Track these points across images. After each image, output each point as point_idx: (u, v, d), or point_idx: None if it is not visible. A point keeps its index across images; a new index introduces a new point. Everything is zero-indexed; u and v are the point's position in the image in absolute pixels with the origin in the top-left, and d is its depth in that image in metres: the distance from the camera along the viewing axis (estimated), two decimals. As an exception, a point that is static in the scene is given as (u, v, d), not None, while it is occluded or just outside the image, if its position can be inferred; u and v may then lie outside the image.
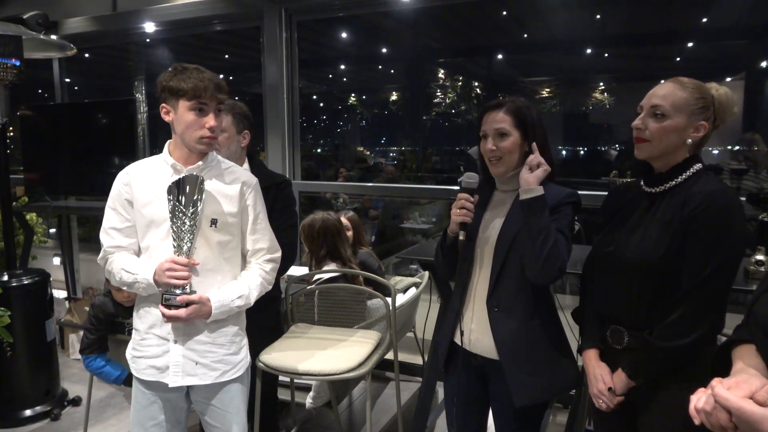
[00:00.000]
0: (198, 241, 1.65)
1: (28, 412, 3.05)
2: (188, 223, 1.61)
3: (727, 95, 1.44)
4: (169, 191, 1.62)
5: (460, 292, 1.69)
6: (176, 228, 1.61)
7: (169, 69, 1.66)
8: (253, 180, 1.80)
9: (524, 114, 1.59)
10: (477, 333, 1.64)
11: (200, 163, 1.69)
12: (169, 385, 1.68)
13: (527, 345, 1.58)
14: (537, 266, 1.50)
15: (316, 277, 2.72)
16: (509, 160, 1.60)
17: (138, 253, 1.73)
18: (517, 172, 1.61)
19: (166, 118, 1.68)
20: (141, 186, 1.70)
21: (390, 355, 2.45)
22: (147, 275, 1.62)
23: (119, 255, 1.71)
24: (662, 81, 1.48)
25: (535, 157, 1.56)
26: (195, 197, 1.61)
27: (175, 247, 1.62)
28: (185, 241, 1.61)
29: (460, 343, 1.69)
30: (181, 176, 1.64)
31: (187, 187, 1.62)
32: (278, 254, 1.84)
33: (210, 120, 1.62)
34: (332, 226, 2.78)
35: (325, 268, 2.74)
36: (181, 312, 1.59)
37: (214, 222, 1.67)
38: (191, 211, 1.61)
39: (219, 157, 1.79)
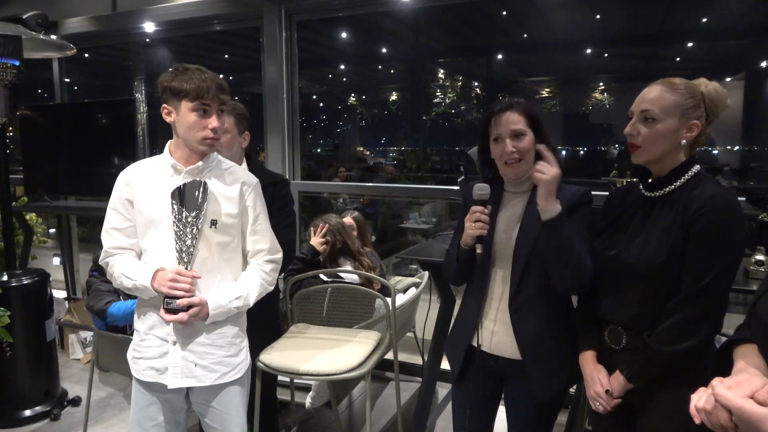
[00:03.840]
0: (199, 243, 1.65)
1: (27, 412, 3.04)
2: (191, 231, 1.61)
3: (717, 90, 1.43)
4: (173, 198, 1.62)
5: (478, 296, 1.67)
6: (180, 234, 1.61)
7: (170, 69, 1.65)
8: (254, 180, 1.79)
9: (535, 113, 1.60)
10: (500, 335, 1.64)
11: (200, 163, 1.68)
12: (168, 387, 1.68)
13: (549, 344, 1.60)
14: (564, 278, 1.52)
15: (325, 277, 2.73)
16: (528, 160, 1.58)
17: (140, 253, 1.73)
18: (530, 173, 1.61)
19: (168, 119, 1.67)
20: (141, 186, 1.70)
21: (390, 355, 2.45)
22: (145, 282, 1.62)
23: (120, 258, 1.71)
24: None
25: (548, 166, 1.50)
26: (199, 204, 1.61)
27: (177, 251, 1.62)
28: (187, 249, 1.61)
29: (481, 347, 1.67)
30: (184, 182, 1.64)
31: (191, 194, 1.62)
32: (279, 255, 1.83)
33: (213, 121, 1.62)
34: (338, 223, 2.86)
35: (338, 267, 2.78)
36: (183, 316, 1.59)
37: (213, 223, 1.67)
38: (194, 218, 1.61)
39: (220, 158, 1.78)
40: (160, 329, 1.69)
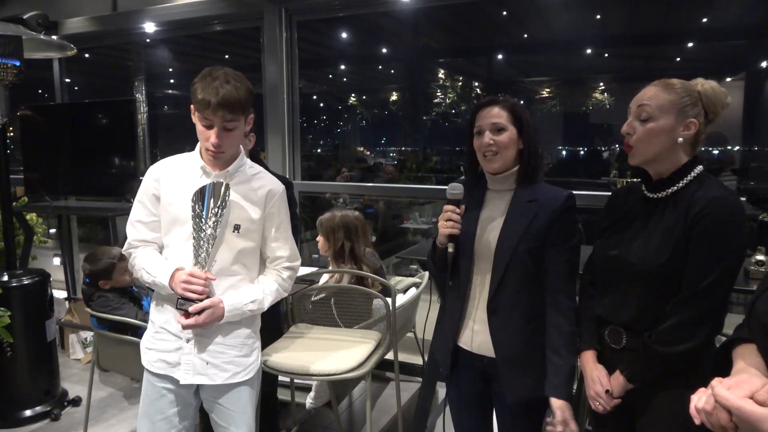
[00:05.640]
0: (220, 246, 1.66)
1: (28, 413, 3.04)
2: (209, 232, 1.62)
3: (714, 88, 1.43)
4: (194, 198, 1.63)
5: (461, 295, 1.68)
6: (196, 236, 1.62)
7: (203, 71, 1.63)
8: (280, 187, 1.79)
9: (519, 111, 1.59)
10: (481, 335, 1.64)
11: (229, 168, 1.69)
12: (180, 382, 1.69)
13: (525, 346, 1.59)
14: None
15: (324, 279, 2.72)
16: (505, 156, 1.59)
17: (163, 247, 1.74)
18: (511, 172, 1.61)
19: (194, 119, 1.67)
20: (169, 183, 1.71)
21: (390, 355, 2.45)
22: (164, 280, 1.64)
23: (143, 251, 1.72)
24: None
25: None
26: (219, 205, 1.62)
27: (194, 254, 1.63)
28: (204, 250, 1.62)
29: (462, 346, 1.68)
30: (207, 183, 1.64)
31: (212, 195, 1.62)
32: (298, 263, 1.85)
33: (212, 136, 1.60)
34: (352, 223, 2.82)
35: (339, 266, 2.76)
36: (199, 319, 1.60)
37: (237, 227, 1.68)
38: (213, 219, 1.62)
39: (248, 162, 1.78)
40: (174, 325, 1.70)
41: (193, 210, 1.63)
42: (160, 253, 1.74)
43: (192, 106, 1.65)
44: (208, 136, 1.61)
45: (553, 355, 1.54)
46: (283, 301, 2.52)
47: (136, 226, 1.74)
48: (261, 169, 1.81)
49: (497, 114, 1.58)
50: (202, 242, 1.62)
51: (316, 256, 5.08)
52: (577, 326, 1.63)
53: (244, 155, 1.76)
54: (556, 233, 1.55)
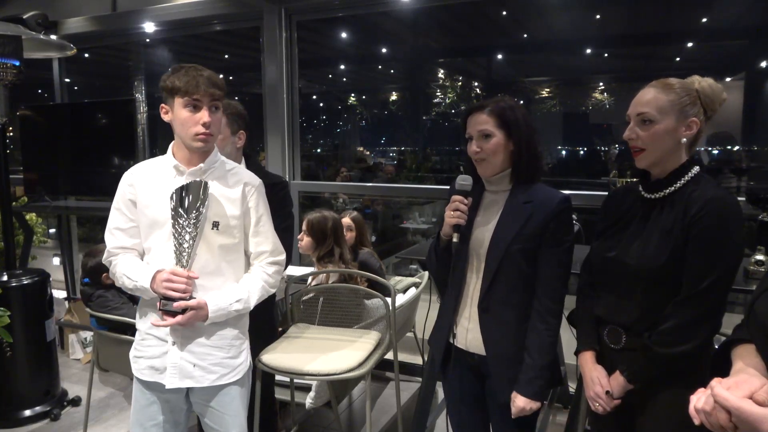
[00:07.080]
0: (199, 244, 1.65)
1: (27, 413, 3.05)
2: (189, 231, 1.60)
3: (711, 85, 1.43)
4: (172, 198, 1.62)
5: (455, 293, 1.70)
6: (177, 235, 1.61)
7: (171, 68, 1.66)
8: (256, 181, 1.78)
9: (507, 114, 1.59)
10: (474, 332, 1.65)
11: (202, 164, 1.68)
12: (166, 387, 1.68)
13: (516, 346, 1.60)
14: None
15: (316, 278, 2.72)
16: (494, 161, 1.60)
17: (143, 253, 1.73)
18: (505, 173, 1.63)
19: (166, 118, 1.67)
20: (144, 187, 1.70)
21: (390, 355, 2.45)
22: (145, 283, 1.62)
23: (123, 257, 1.71)
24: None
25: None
26: (198, 204, 1.61)
27: (175, 254, 1.62)
28: (185, 249, 1.61)
29: (456, 344, 1.70)
30: (185, 183, 1.63)
31: (191, 194, 1.61)
32: (282, 257, 1.83)
33: (203, 116, 1.60)
34: (340, 226, 2.81)
35: (326, 268, 2.75)
36: (179, 319, 1.59)
37: (215, 224, 1.67)
38: (193, 218, 1.60)
39: (223, 158, 1.77)
40: (159, 329, 1.69)
41: (173, 210, 1.61)
42: (141, 259, 1.72)
43: (163, 106, 1.65)
44: (197, 120, 1.60)
45: (525, 355, 1.58)
46: (282, 301, 2.52)
47: (115, 233, 1.72)
48: (236, 164, 1.80)
49: (484, 121, 1.60)
50: (183, 242, 1.61)
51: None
52: (576, 327, 1.63)
53: (217, 151, 1.75)
54: (549, 236, 1.56)
